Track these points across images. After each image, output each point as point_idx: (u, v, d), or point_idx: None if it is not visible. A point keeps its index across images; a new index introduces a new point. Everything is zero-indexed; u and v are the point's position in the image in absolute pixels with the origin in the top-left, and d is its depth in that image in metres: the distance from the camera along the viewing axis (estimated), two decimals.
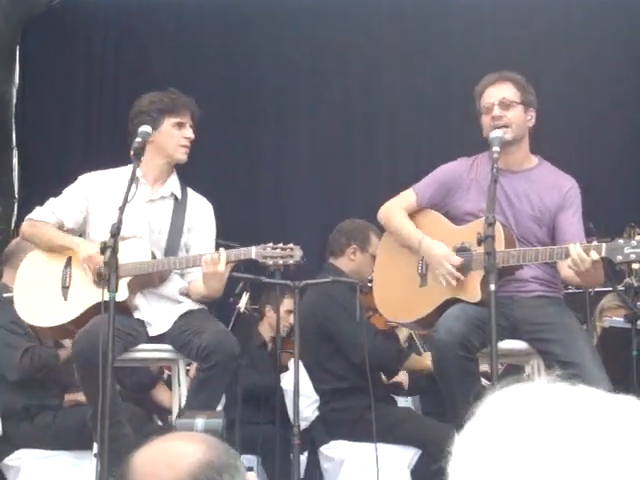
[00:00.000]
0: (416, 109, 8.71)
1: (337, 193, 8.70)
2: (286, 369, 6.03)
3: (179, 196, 4.84)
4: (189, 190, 4.92)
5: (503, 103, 4.53)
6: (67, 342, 5.64)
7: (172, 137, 4.75)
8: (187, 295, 4.80)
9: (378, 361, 5.32)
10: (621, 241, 4.07)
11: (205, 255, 4.48)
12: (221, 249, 4.52)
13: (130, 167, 4.52)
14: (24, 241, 5.57)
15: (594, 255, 4.05)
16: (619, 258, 4.06)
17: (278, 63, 8.77)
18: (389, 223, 4.77)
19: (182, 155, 4.79)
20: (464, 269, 4.42)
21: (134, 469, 1.60)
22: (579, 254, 4.06)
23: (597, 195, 7.00)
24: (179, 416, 4.51)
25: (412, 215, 4.72)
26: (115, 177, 4.78)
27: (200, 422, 3.61)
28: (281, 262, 4.44)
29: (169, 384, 6.19)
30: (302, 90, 8.90)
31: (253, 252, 4.44)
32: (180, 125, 4.77)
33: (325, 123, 8.82)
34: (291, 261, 4.45)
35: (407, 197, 4.74)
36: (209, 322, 4.69)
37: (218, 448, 1.62)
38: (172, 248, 4.73)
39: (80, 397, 5.37)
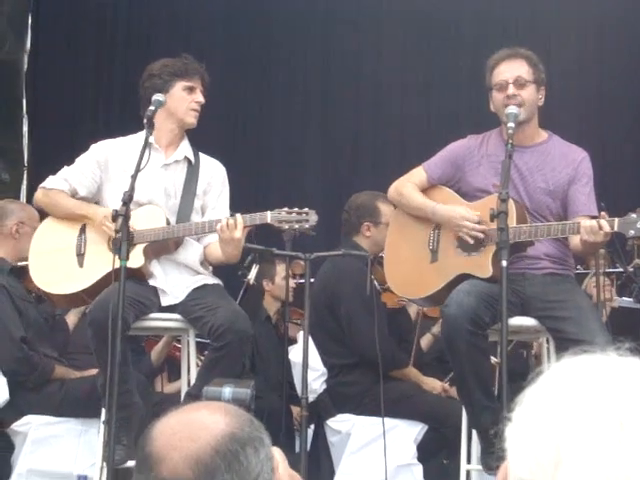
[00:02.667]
0: (425, 87, 8.69)
1: (345, 166, 8.70)
2: (294, 342, 6.02)
3: (192, 160, 4.84)
4: (201, 155, 4.91)
5: (518, 82, 4.50)
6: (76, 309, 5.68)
7: (183, 101, 4.74)
8: (205, 263, 4.81)
9: (374, 358, 5.25)
10: (634, 215, 4.06)
11: (221, 221, 4.48)
12: (237, 214, 4.50)
13: (142, 134, 4.54)
14: (8, 205, 5.58)
15: (606, 227, 4.06)
16: (631, 232, 4.06)
17: (290, 33, 8.74)
18: (400, 198, 4.76)
19: (192, 119, 4.78)
20: (472, 249, 4.41)
21: (154, 441, 1.54)
22: (592, 225, 4.07)
23: (609, 175, 7.00)
24: (192, 389, 4.54)
25: (424, 192, 4.70)
26: (128, 144, 4.77)
27: (228, 391, 3.60)
28: (297, 226, 4.44)
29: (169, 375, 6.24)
30: (314, 60, 8.88)
31: (269, 216, 4.43)
32: (191, 89, 4.77)
33: (335, 96, 8.80)
34: (307, 225, 4.44)
35: (417, 174, 4.73)
36: (223, 300, 4.67)
37: (242, 420, 1.56)
38: (184, 212, 4.72)
39: (69, 373, 5.40)
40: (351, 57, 8.83)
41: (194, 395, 4.45)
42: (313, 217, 4.45)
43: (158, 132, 4.72)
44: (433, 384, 5.77)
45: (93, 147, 4.88)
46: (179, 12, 8.96)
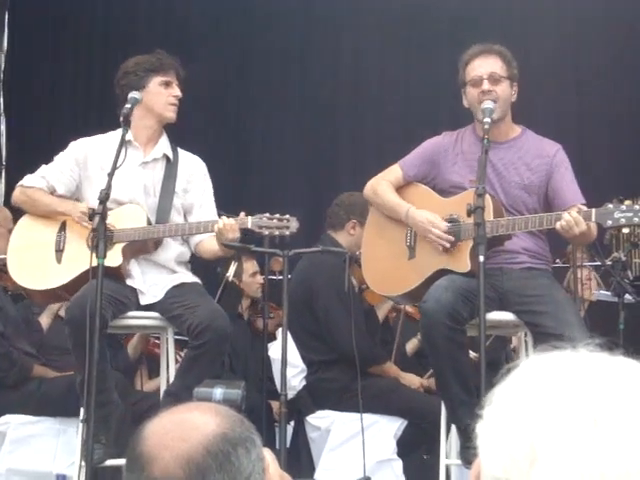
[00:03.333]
0: (404, 80, 8.70)
1: (325, 164, 8.70)
2: (273, 338, 6.02)
3: (171, 157, 4.82)
4: (180, 150, 4.90)
5: (492, 77, 4.51)
6: (53, 306, 5.66)
7: (160, 96, 4.73)
8: (187, 263, 4.82)
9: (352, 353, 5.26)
10: (610, 205, 4.08)
11: (219, 222, 4.44)
12: (222, 218, 4.48)
13: (119, 131, 4.53)
14: None
15: (582, 225, 4.09)
16: (609, 222, 4.08)
17: (269, 30, 8.73)
18: (375, 197, 4.76)
19: (171, 113, 4.77)
20: (455, 236, 4.42)
21: (146, 440, 1.54)
22: (567, 220, 4.08)
23: (586, 168, 7.01)
24: (171, 387, 4.53)
25: (399, 189, 4.72)
26: (106, 142, 4.76)
27: (219, 392, 3.59)
28: (277, 232, 4.44)
29: (149, 372, 6.23)
30: (291, 58, 8.87)
31: (249, 222, 4.43)
32: (167, 84, 4.76)
33: (314, 93, 8.79)
34: (287, 232, 4.45)
35: (393, 172, 4.74)
36: (202, 298, 4.68)
37: (233, 420, 1.56)
38: (164, 210, 4.71)
39: (47, 372, 5.39)
40: (329, 57, 8.84)
41: (173, 393, 4.45)
42: (294, 224, 4.45)
43: (136, 129, 4.71)
44: (412, 380, 5.78)
45: (72, 145, 4.86)
46: (157, 10, 8.95)
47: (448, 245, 4.41)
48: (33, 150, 7.53)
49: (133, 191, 4.68)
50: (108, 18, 9.04)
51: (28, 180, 4.80)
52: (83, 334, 4.10)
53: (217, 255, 4.74)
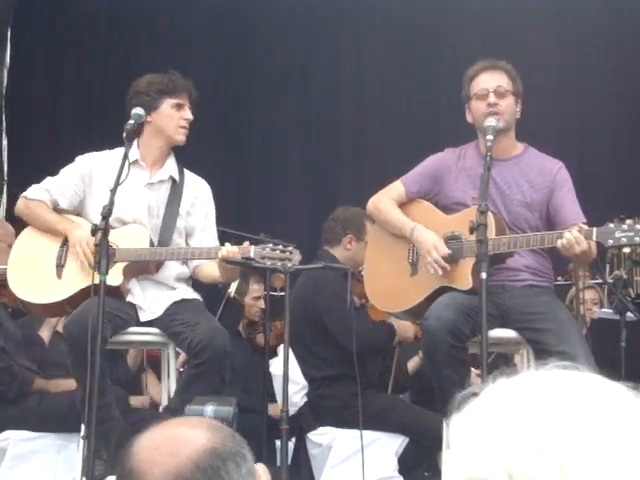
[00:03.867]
0: (406, 95, 8.72)
1: (325, 179, 8.71)
2: (275, 355, 6.01)
3: (177, 179, 4.82)
4: (186, 172, 4.89)
5: (498, 91, 4.52)
6: (52, 321, 5.65)
7: (172, 118, 4.72)
8: (188, 279, 4.81)
9: (370, 343, 5.30)
10: (612, 225, 4.08)
11: (222, 250, 4.41)
12: (233, 247, 4.45)
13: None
14: None
15: (575, 233, 4.09)
16: (610, 242, 4.08)
17: (270, 47, 8.76)
18: (379, 214, 4.76)
19: (181, 136, 4.76)
20: (453, 259, 4.42)
21: (135, 456, 1.53)
22: (568, 239, 4.08)
23: (587, 186, 7.02)
24: (171, 404, 4.52)
25: (402, 206, 4.71)
26: (112, 158, 4.74)
27: (210, 409, 3.58)
28: (279, 264, 4.40)
29: (155, 371, 6.20)
30: (293, 74, 8.89)
31: (252, 252, 4.40)
32: (179, 106, 4.75)
33: (315, 108, 8.82)
34: (289, 264, 4.40)
35: (396, 189, 4.74)
36: (203, 315, 4.67)
37: (223, 435, 1.55)
38: (166, 232, 4.71)
39: (49, 386, 5.38)
40: (331, 73, 8.86)
41: (173, 410, 4.45)
42: (296, 257, 4.41)
43: (144, 150, 4.71)
44: (407, 327, 5.72)
45: (78, 159, 4.86)
46: (159, 26, 8.98)
47: (441, 272, 4.40)
48: (35, 165, 7.55)
49: (137, 211, 4.68)
50: (111, 32, 9.06)
51: (32, 192, 4.79)
52: (82, 351, 4.10)
53: (216, 281, 4.75)
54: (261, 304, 6.57)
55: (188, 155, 5.11)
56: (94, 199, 4.72)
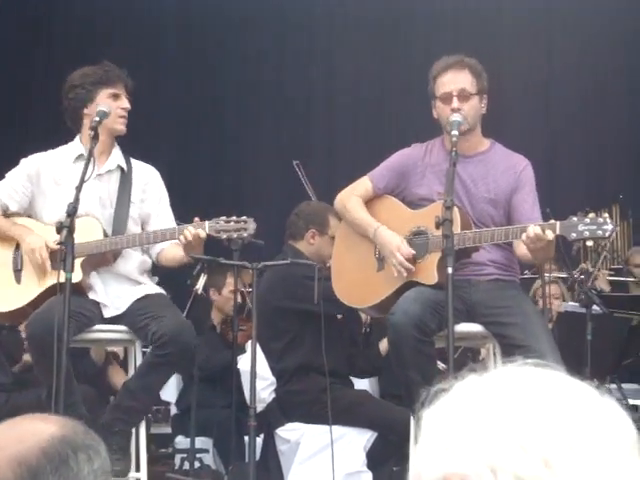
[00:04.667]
0: (379, 96, 8.74)
1: (295, 176, 8.71)
2: (243, 351, 6.01)
3: (125, 167, 4.79)
4: (134, 161, 4.87)
5: (462, 94, 4.50)
6: None
7: (106, 106, 4.64)
8: (150, 270, 4.79)
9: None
10: (575, 219, 4.09)
11: (186, 229, 4.38)
12: (198, 222, 4.42)
13: (72, 144, 4.66)
14: None
15: (549, 235, 4.09)
16: (573, 235, 4.10)
17: (243, 29, 8.74)
18: (345, 212, 4.77)
19: (120, 126, 4.71)
20: (418, 255, 4.44)
21: None
22: (536, 233, 4.08)
23: (556, 179, 7.07)
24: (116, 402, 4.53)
25: (369, 201, 4.72)
26: (58, 156, 4.75)
27: None
28: (235, 235, 4.41)
29: (124, 366, 6.18)
30: (266, 59, 8.88)
31: (207, 226, 4.39)
32: (115, 96, 4.71)
33: (288, 95, 8.81)
34: (245, 234, 4.41)
35: (363, 185, 4.74)
36: (169, 309, 4.66)
37: (75, 427, 1.47)
38: (120, 221, 4.68)
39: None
40: (303, 58, 8.87)
41: (131, 390, 4.51)
42: (251, 225, 4.42)
43: (88, 142, 4.65)
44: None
45: (23, 161, 4.81)
46: (131, 18, 8.93)
47: (405, 274, 4.41)
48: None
49: (89, 204, 4.61)
50: (55, 29, 9.00)
51: None
52: (45, 350, 4.08)
53: (182, 262, 4.70)
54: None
55: (155, 136, 5.08)
56: (45, 198, 4.70)
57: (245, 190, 8.72)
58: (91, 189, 4.62)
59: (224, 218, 4.42)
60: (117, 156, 4.80)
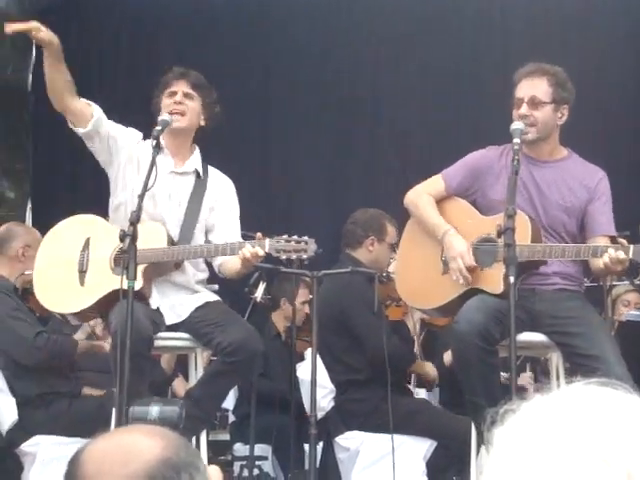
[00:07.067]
0: (426, 98, 8.70)
1: (348, 181, 8.71)
2: (302, 359, 6.02)
3: (201, 173, 4.83)
4: (211, 169, 4.90)
5: (532, 101, 4.48)
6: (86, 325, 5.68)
7: (166, 107, 4.73)
8: (206, 281, 4.82)
9: (390, 360, 5.27)
10: None
11: (245, 248, 4.39)
12: (247, 243, 4.44)
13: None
14: (15, 227, 5.59)
15: (621, 255, 4.07)
16: None
17: (288, 53, 8.77)
18: (416, 210, 4.72)
19: (174, 122, 4.66)
20: (485, 263, 4.42)
21: (83, 465, 1.44)
22: (619, 257, 4.07)
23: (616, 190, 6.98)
24: (192, 390, 4.55)
25: (439, 202, 4.67)
26: (147, 151, 4.67)
27: (155, 410, 3.55)
28: (294, 256, 4.40)
29: (185, 376, 6.22)
30: (311, 79, 8.88)
31: (267, 245, 4.39)
32: (171, 94, 4.76)
33: (334, 111, 8.81)
34: (305, 255, 4.40)
35: (435, 183, 4.70)
36: (231, 316, 4.70)
37: (177, 444, 1.47)
38: (188, 225, 4.70)
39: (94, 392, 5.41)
40: (347, 78, 8.86)
41: (195, 398, 4.51)
42: (312, 246, 4.40)
43: (165, 140, 4.70)
44: (429, 369, 5.78)
45: (131, 129, 4.84)
46: (181, 29, 8.99)
47: (462, 282, 4.41)
48: (57, 170, 7.60)
49: (158, 197, 4.66)
50: (135, 35, 9.09)
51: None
52: (133, 355, 4.08)
53: (240, 274, 4.73)
54: (306, 308, 6.55)
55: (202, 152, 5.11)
56: (123, 174, 4.73)
57: (293, 195, 8.73)
58: (163, 183, 4.62)
59: (285, 237, 4.40)
60: (195, 160, 4.84)
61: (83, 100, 4.74)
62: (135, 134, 4.82)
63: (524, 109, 4.46)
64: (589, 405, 1.17)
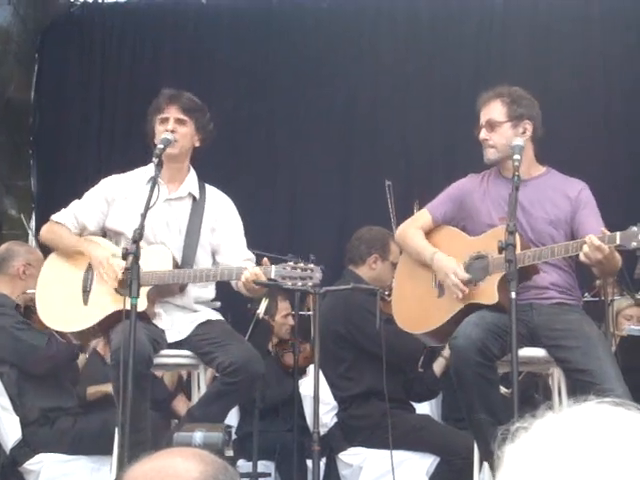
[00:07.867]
0: (426, 116, 8.73)
1: (351, 198, 8.73)
2: (304, 374, 6.03)
3: (197, 196, 4.83)
4: (208, 188, 4.90)
5: (489, 124, 4.61)
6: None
7: (158, 134, 4.74)
8: (209, 302, 4.84)
9: (405, 355, 5.35)
10: (635, 228, 4.07)
11: (245, 272, 4.41)
12: (255, 268, 4.47)
13: (149, 167, 4.61)
14: (15, 246, 5.61)
15: (596, 241, 4.07)
16: (634, 244, 4.07)
17: (292, 69, 8.81)
18: (405, 244, 4.84)
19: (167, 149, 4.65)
20: (478, 278, 4.45)
21: None
22: (594, 243, 4.07)
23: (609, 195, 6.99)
24: (178, 428, 4.56)
25: (429, 232, 4.77)
26: (135, 179, 4.81)
27: (199, 435, 3.58)
28: (300, 284, 4.42)
29: (187, 394, 6.23)
30: (314, 97, 8.91)
31: (272, 272, 4.41)
32: (163, 121, 4.76)
33: (338, 128, 8.84)
34: (309, 283, 4.42)
35: (422, 217, 4.81)
36: (233, 336, 4.71)
37: (216, 467, 1.48)
38: (189, 249, 4.72)
39: (104, 388, 5.42)
40: (349, 94, 8.89)
41: (196, 418, 4.49)
42: (317, 275, 4.42)
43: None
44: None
45: (102, 182, 4.91)
46: (183, 46, 9.03)
47: (461, 295, 4.43)
48: (61, 186, 7.64)
49: (155, 227, 4.68)
50: (137, 53, 9.12)
51: (59, 216, 4.84)
52: (133, 375, 4.10)
53: (252, 293, 4.74)
54: (290, 321, 6.60)
55: (207, 167, 5.12)
56: (118, 220, 4.77)
57: (297, 211, 8.75)
58: (159, 212, 4.65)
59: (291, 264, 4.42)
60: (190, 183, 4.84)
61: (63, 226, 4.83)
62: (101, 197, 4.83)
63: (483, 134, 4.61)
64: (604, 426, 1.17)
